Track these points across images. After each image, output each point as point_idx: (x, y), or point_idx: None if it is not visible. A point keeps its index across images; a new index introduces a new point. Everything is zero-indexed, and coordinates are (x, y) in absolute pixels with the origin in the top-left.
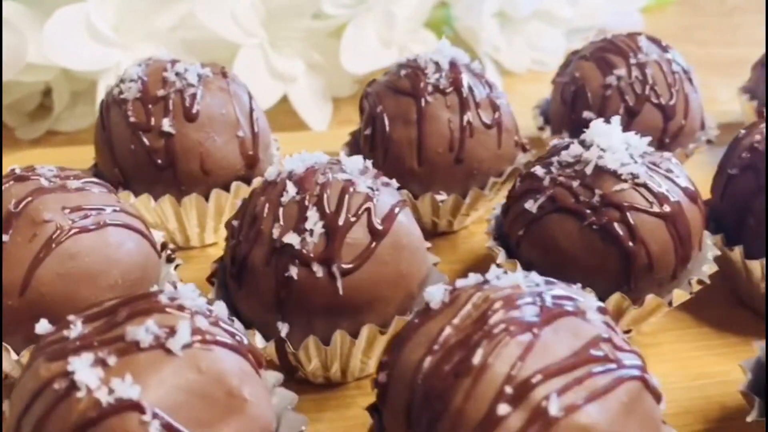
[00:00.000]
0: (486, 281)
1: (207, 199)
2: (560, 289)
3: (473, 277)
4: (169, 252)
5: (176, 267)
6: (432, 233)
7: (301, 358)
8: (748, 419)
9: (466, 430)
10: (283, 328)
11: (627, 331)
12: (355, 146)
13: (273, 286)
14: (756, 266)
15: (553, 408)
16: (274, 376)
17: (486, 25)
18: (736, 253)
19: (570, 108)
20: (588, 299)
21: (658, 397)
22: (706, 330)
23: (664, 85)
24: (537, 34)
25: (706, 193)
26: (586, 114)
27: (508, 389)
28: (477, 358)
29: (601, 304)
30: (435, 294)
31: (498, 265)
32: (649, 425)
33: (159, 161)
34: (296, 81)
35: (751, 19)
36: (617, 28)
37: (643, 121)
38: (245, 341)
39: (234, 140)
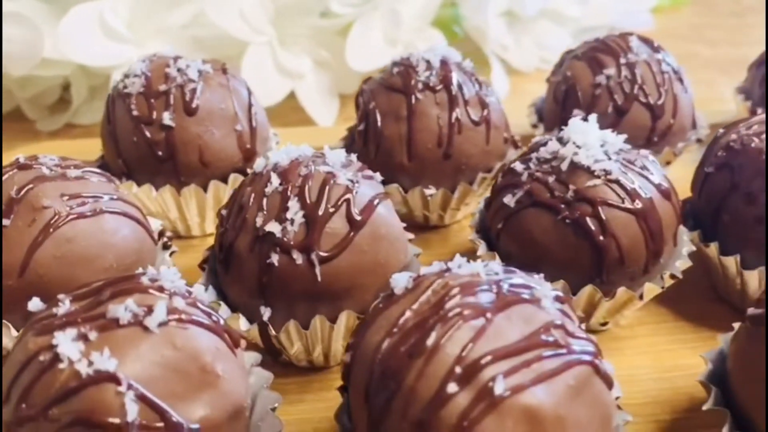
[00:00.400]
0: (448, 269)
1: (206, 190)
2: (519, 278)
3: (437, 265)
4: (165, 239)
5: (171, 254)
6: (424, 227)
7: (283, 341)
8: (704, 408)
9: (417, 407)
10: (266, 312)
11: (604, 323)
12: (351, 141)
13: (256, 271)
14: (731, 262)
15: (499, 388)
16: (252, 357)
17: (493, 24)
18: (712, 249)
19: (561, 106)
20: (544, 288)
21: (609, 383)
22: (682, 324)
23: (653, 84)
24: (545, 33)
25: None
26: (576, 112)
27: (458, 369)
28: (431, 340)
29: (559, 293)
30: (399, 280)
31: (476, 257)
32: (598, 409)
33: (159, 153)
34: (304, 78)
35: (764, 20)
36: (627, 27)
37: (632, 119)
38: (221, 321)
39: (232, 134)
